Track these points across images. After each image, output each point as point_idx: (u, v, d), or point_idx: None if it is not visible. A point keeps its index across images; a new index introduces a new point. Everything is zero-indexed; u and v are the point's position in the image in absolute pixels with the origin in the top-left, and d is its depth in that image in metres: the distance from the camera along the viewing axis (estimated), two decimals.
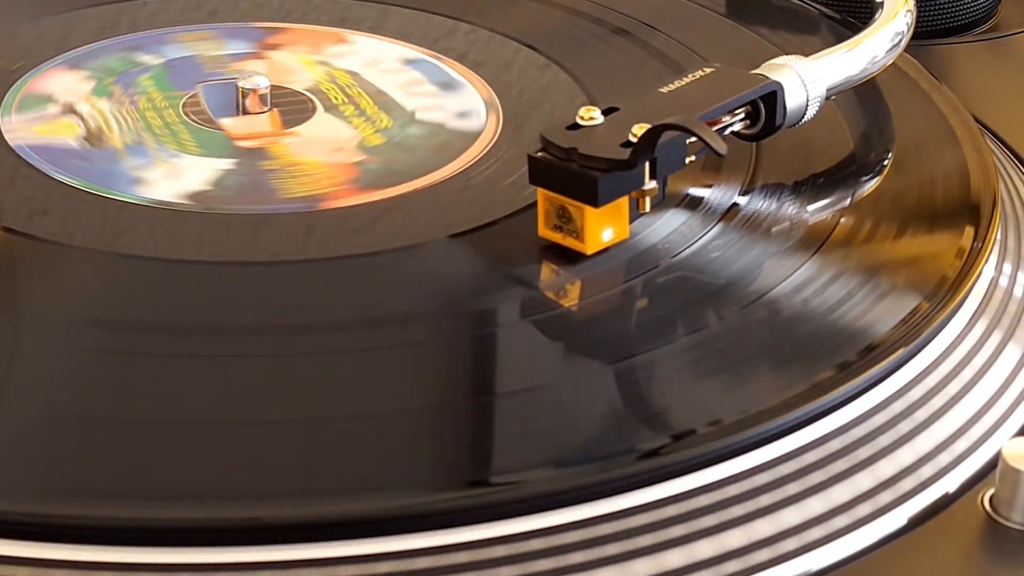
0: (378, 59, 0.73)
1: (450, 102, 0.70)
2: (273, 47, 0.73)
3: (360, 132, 0.67)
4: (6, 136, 0.64)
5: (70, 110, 0.66)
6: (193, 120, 0.67)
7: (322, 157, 0.65)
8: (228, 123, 0.67)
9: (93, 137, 0.64)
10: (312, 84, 0.70)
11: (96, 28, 0.74)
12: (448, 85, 0.71)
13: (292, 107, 0.68)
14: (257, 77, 0.68)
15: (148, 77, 0.69)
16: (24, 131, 0.64)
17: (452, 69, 0.72)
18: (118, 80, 0.69)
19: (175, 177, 0.63)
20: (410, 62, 0.73)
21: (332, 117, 0.68)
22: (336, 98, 0.69)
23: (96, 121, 0.65)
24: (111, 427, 0.50)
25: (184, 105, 0.67)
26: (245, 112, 0.68)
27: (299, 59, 0.72)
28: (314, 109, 0.68)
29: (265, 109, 0.68)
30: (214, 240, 0.59)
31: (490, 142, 0.66)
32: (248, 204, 0.62)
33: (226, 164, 0.64)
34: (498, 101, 0.69)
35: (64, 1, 0.76)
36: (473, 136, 0.67)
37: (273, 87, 0.69)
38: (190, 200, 0.61)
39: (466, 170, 0.64)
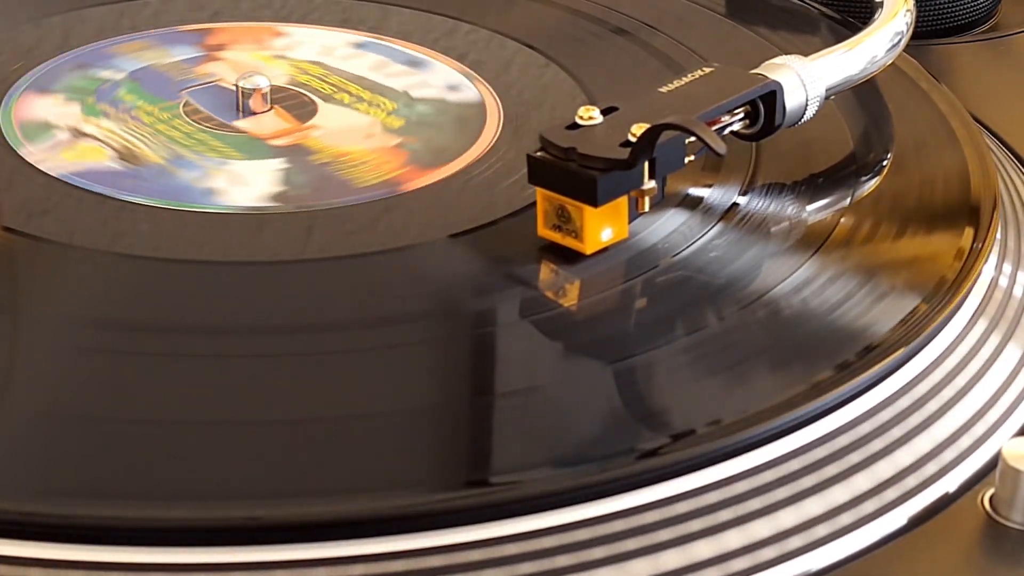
0: (329, 46, 0.73)
1: (431, 77, 0.70)
2: (218, 48, 0.72)
3: (374, 117, 0.67)
4: (41, 167, 0.63)
5: (80, 134, 0.66)
6: (207, 126, 0.66)
7: (362, 145, 0.65)
8: (244, 124, 0.67)
9: (128, 156, 0.64)
10: (290, 79, 0.70)
11: (96, 29, 0.74)
12: (415, 62, 0.71)
13: (291, 103, 0.68)
14: (256, 77, 0.68)
15: (125, 92, 0.69)
16: (53, 160, 0.64)
17: (402, 47, 0.73)
18: (99, 98, 0.68)
19: (242, 183, 0.63)
20: (360, 46, 0.73)
21: (336, 107, 0.68)
22: (325, 88, 0.69)
23: (117, 140, 0.65)
24: (111, 427, 0.50)
25: (186, 113, 0.67)
26: (249, 112, 0.68)
27: (256, 56, 0.72)
28: (313, 102, 0.68)
29: (267, 108, 0.68)
30: (214, 240, 0.59)
31: (490, 142, 0.66)
32: (333, 198, 0.62)
33: (278, 164, 0.64)
34: (498, 101, 0.69)
35: (64, 1, 0.76)
36: (478, 106, 0.68)
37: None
38: (276, 201, 0.61)
39: (466, 170, 0.64)
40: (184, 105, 0.68)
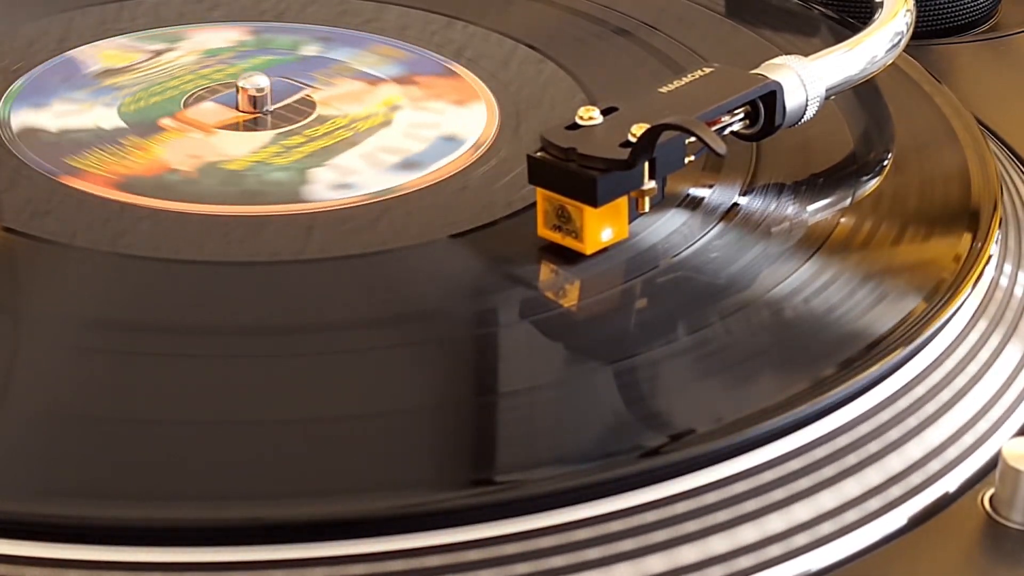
0: (208, 44, 0.73)
1: (357, 62, 0.72)
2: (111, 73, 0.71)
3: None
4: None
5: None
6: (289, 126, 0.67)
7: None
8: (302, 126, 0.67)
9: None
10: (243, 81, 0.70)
11: (96, 28, 0.74)
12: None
13: (285, 105, 0.69)
14: (256, 77, 0.68)
15: (140, 99, 0.68)
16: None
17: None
18: (134, 111, 0.68)
19: (378, 164, 0.64)
20: (253, 33, 0.74)
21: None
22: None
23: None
24: (111, 427, 0.50)
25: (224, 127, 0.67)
26: (269, 112, 0.68)
27: (182, 71, 0.71)
28: (307, 100, 0.69)
29: (266, 109, 0.68)
30: (214, 240, 0.59)
31: (489, 142, 0.66)
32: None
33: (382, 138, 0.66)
34: (497, 101, 0.69)
35: (65, 0, 0.76)
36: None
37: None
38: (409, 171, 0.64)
39: (466, 170, 0.64)
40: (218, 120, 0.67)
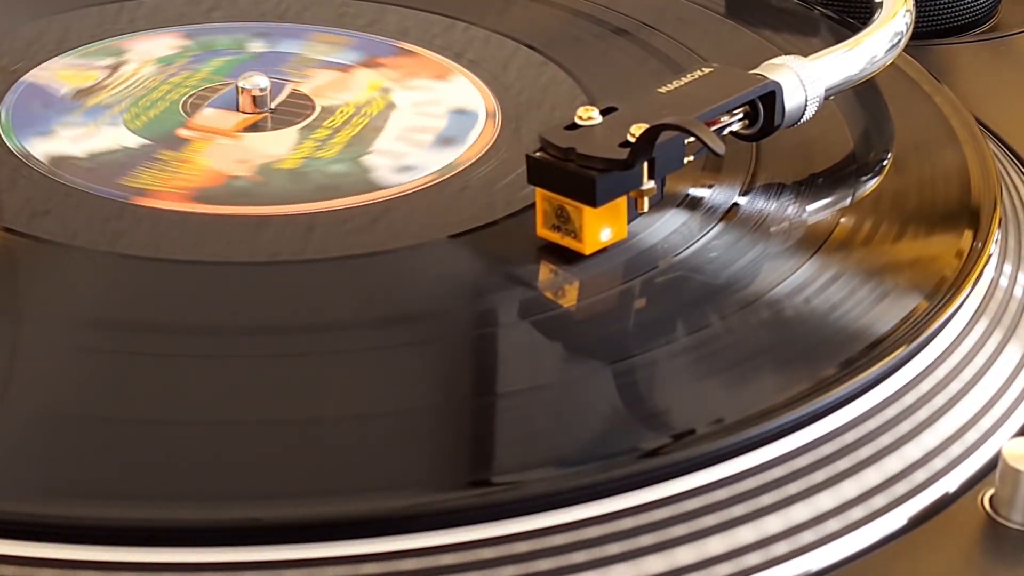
0: (153, 53, 0.72)
1: (311, 51, 0.72)
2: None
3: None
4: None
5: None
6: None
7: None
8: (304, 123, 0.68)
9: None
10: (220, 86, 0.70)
11: (96, 27, 0.74)
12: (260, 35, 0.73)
13: (283, 101, 0.69)
14: (256, 77, 0.68)
15: (138, 114, 0.68)
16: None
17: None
18: (143, 125, 0.68)
19: (418, 144, 0.65)
20: (188, 37, 0.73)
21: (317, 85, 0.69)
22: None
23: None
24: (111, 427, 0.50)
25: (246, 128, 0.67)
26: (271, 110, 0.68)
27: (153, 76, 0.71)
28: (299, 94, 0.69)
29: (268, 108, 0.68)
30: (214, 240, 0.59)
31: (489, 142, 0.66)
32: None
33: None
34: (496, 101, 0.69)
35: (65, 1, 0.76)
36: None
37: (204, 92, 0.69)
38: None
39: (465, 170, 0.64)
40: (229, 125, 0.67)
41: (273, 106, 0.68)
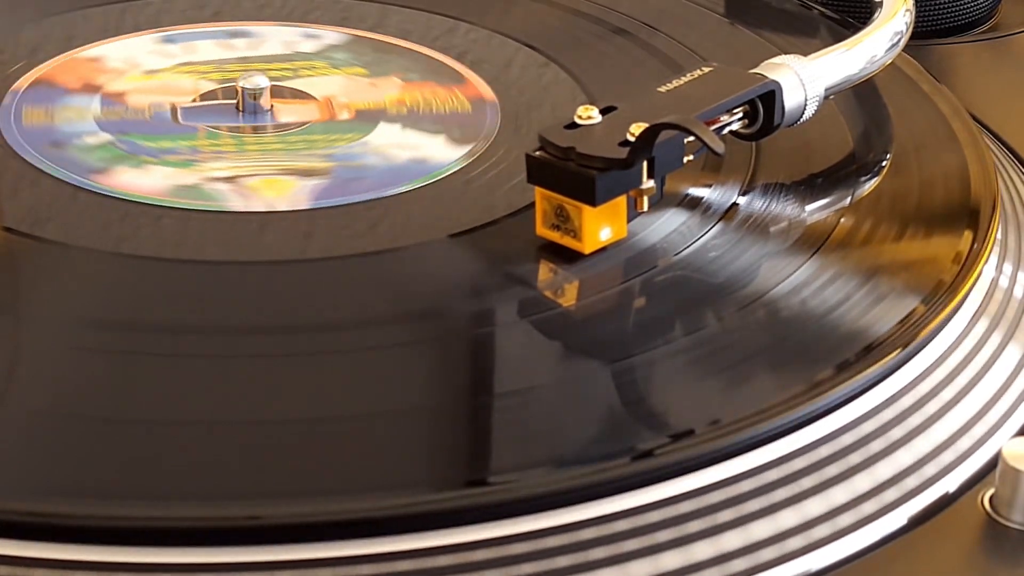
0: (133, 54, 0.72)
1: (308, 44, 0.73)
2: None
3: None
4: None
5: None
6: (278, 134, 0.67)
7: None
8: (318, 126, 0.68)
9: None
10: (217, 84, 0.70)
11: (99, 29, 0.74)
12: (238, 34, 0.73)
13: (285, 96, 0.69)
14: (256, 77, 0.68)
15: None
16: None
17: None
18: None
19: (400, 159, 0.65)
20: (168, 39, 0.73)
21: (324, 80, 0.70)
22: (282, 74, 0.70)
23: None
24: (111, 427, 0.50)
25: (246, 132, 0.67)
26: (270, 112, 0.68)
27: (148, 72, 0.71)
28: (291, 89, 0.69)
29: (269, 106, 0.68)
30: (214, 240, 0.59)
31: (490, 142, 0.66)
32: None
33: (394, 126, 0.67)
34: (498, 101, 0.69)
35: (67, 1, 0.76)
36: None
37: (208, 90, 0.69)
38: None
39: (466, 170, 0.64)
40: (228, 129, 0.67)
41: (273, 106, 0.68)
